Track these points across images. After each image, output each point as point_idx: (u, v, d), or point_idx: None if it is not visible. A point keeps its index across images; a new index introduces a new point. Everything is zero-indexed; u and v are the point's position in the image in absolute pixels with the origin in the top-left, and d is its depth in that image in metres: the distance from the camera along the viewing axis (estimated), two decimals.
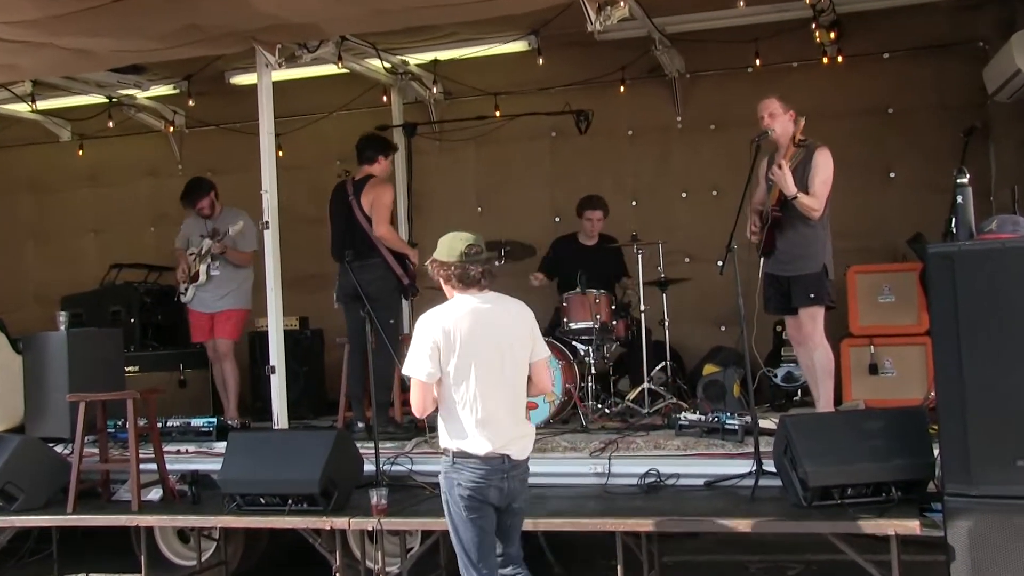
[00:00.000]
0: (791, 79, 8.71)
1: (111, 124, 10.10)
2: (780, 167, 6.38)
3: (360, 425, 7.57)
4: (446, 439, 4.55)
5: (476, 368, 4.48)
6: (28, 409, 7.92)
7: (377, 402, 7.25)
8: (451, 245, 4.69)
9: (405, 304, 8.33)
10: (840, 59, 8.62)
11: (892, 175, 8.84)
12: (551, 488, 6.34)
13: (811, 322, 6.58)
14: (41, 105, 9.93)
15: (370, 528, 5.89)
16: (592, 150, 9.49)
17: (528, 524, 5.63)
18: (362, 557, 6.22)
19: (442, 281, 4.69)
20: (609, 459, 6.38)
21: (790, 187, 6.37)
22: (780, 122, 6.56)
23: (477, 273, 4.60)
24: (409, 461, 6.68)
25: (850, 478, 5.35)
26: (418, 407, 4.54)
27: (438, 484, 6.25)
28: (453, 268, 4.62)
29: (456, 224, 9.54)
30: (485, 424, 4.47)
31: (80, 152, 10.78)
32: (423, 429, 7.53)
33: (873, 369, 7.56)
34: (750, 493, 5.76)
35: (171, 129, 10.44)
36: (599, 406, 7.67)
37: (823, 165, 6.48)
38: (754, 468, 5.86)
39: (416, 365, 4.50)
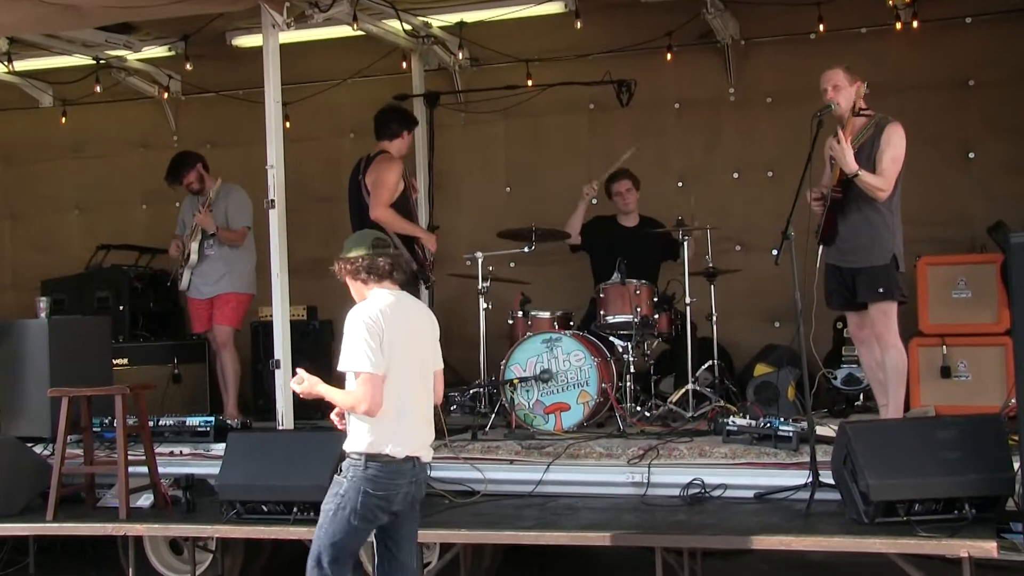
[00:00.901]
0: (859, 47, 8.73)
1: (98, 89, 10.15)
2: (839, 141, 6.41)
3: None
4: (360, 440, 4.72)
5: (403, 365, 4.72)
6: (4, 405, 8.00)
7: None
8: (356, 242, 4.94)
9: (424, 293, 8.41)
10: (916, 24, 8.59)
11: (971, 156, 8.84)
12: (583, 499, 6.42)
13: (883, 319, 6.59)
14: (19, 66, 9.99)
15: None
16: (634, 125, 9.50)
17: (559, 538, 5.76)
18: (373, 571, 6.31)
19: (351, 280, 4.89)
20: (648, 467, 6.44)
21: (850, 163, 6.40)
22: (845, 95, 6.57)
23: (387, 264, 4.83)
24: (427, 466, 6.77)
25: (918, 493, 5.38)
26: (374, 403, 4.65)
27: (461, 492, 6.46)
28: (361, 260, 4.84)
29: (482, 206, 9.87)
30: (409, 426, 4.74)
31: (63, 120, 10.83)
32: (441, 432, 7.68)
33: (945, 372, 7.59)
34: (805, 507, 5.80)
35: (165, 96, 10.47)
36: (638, 408, 7.74)
37: (894, 141, 6.51)
38: (810, 480, 5.90)
39: (362, 358, 4.64)
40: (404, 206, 7.72)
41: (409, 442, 4.73)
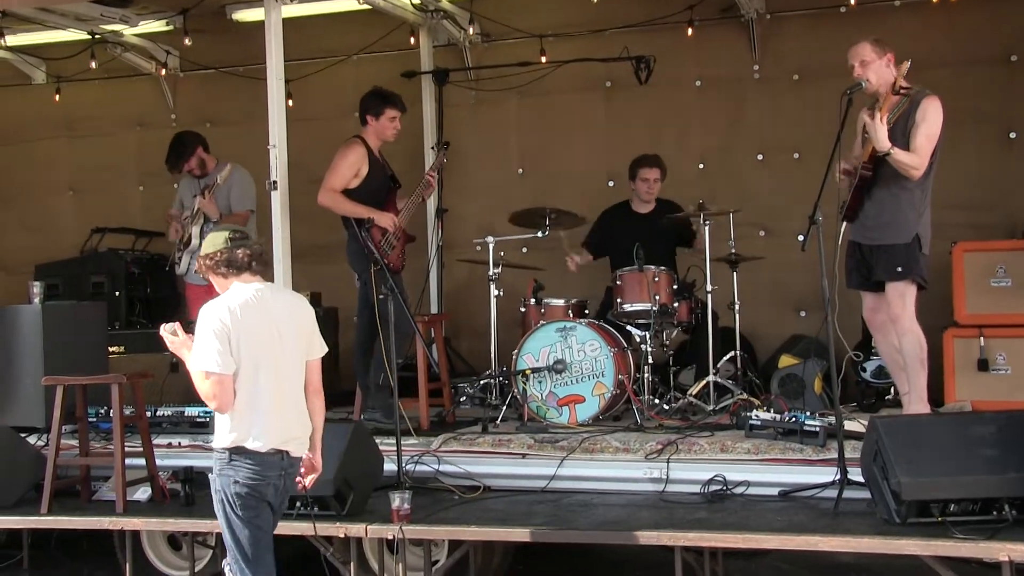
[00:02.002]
0: (893, 21, 8.69)
1: (93, 65, 10.11)
2: (872, 117, 6.35)
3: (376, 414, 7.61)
4: (223, 435, 4.84)
5: (259, 360, 4.84)
6: None
7: (380, 385, 7.51)
8: (214, 238, 5.05)
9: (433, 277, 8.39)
10: None
11: (1012, 135, 8.75)
12: (599, 495, 6.42)
13: (899, 301, 6.53)
14: (11, 41, 9.98)
15: (390, 536, 5.97)
16: (653, 103, 9.48)
17: (573, 536, 5.73)
18: (380, 570, 6.32)
19: (211, 275, 5.02)
20: (667, 463, 6.43)
21: (882, 141, 6.33)
22: (874, 70, 6.50)
23: (245, 255, 4.94)
24: (436, 461, 6.78)
25: (953, 492, 5.34)
26: (223, 402, 4.79)
27: (470, 487, 6.45)
28: (219, 255, 4.95)
29: (493, 189, 9.85)
30: (267, 419, 4.84)
31: (56, 97, 10.86)
32: (450, 424, 7.66)
33: (983, 365, 7.52)
34: (833, 506, 5.78)
35: (163, 72, 10.47)
36: (656, 401, 7.71)
37: (930, 117, 6.43)
38: (838, 477, 5.88)
39: (210, 357, 4.77)
40: (369, 191, 7.62)
41: (270, 436, 4.83)
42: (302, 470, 5.03)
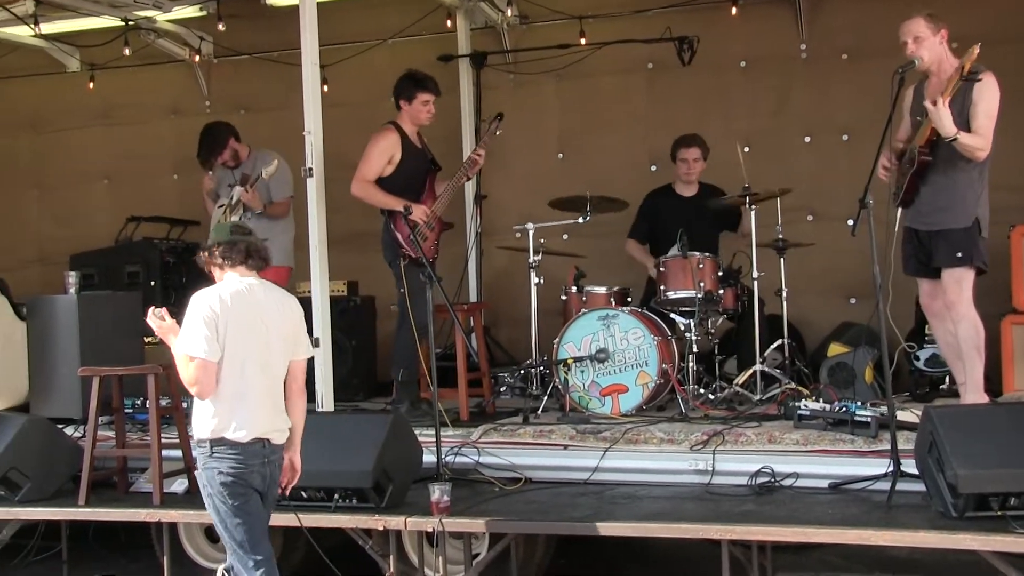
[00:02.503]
0: None
1: (127, 52, 10.13)
2: (935, 103, 6.22)
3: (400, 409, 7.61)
4: (204, 425, 4.96)
5: (246, 351, 4.98)
6: (33, 385, 8.12)
7: (400, 382, 7.61)
8: (218, 229, 5.29)
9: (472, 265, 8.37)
10: None
11: None
12: (643, 487, 6.39)
13: (955, 287, 6.45)
14: (45, 28, 10.04)
15: (430, 529, 5.95)
16: (697, 85, 9.44)
17: (617, 529, 5.70)
18: (420, 564, 6.32)
19: (212, 268, 5.20)
20: (713, 454, 6.39)
21: (948, 127, 6.21)
22: (928, 47, 6.40)
23: (242, 246, 5.11)
24: (476, 452, 6.75)
25: (1013, 485, 5.27)
26: (205, 388, 4.93)
27: (511, 479, 6.44)
28: (217, 247, 5.13)
29: (533, 174, 9.81)
30: (252, 410, 4.96)
31: (91, 84, 10.93)
32: (490, 415, 7.64)
33: None
34: (885, 499, 5.72)
35: (197, 58, 10.53)
36: (702, 391, 7.67)
37: (987, 95, 6.31)
38: (891, 469, 5.82)
39: (196, 342, 4.91)
40: (404, 176, 7.65)
41: (253, 426, 4.95)
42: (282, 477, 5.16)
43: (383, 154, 7.59)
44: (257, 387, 4.98)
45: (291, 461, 5.16)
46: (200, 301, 4.96)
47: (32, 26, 9.77)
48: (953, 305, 6.48)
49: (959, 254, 6.42)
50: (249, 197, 8.30)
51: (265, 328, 5.03)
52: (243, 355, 4.95)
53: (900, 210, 6.64)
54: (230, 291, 5.01)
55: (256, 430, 4.95)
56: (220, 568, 5.13)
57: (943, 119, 6.20)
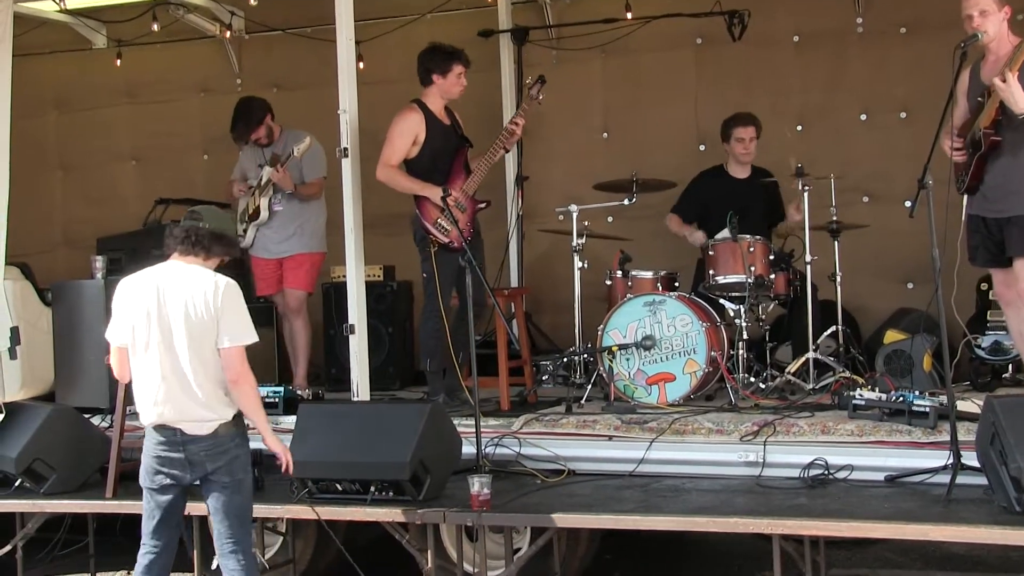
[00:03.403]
0: None
1: (155, 28, 10.18)
2: (1004, 79, 6.16)
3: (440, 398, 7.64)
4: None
5: (147, 337, 5.26)
6: (59, 373, 8.22)
7: (429, 371, 7.67)
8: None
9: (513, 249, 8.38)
10: None
11: None
12: (690, 479, 6.41)
13: None
14: (70, 3, 10.11)
15: (469, 523, 6.01)
16: (747, 61, 9.41)
17: (663, 523, 5.71)
18: (458, 559, 6.35)
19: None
20: (764, 445, 6.39)
21: (1018, 103, 6.15)
22: (993, 22, 6.35)
23: (179, 232, 5.39)
24: (517, 443, 6.79)
25: None
26: (118, 373, 5.47)
27: (553, 471, 6.46)
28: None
29: (576, 154, 9.80)
30: (149, 396, 5.28)
31: (118, 62, 10.94)
32: (532, 404, 7.66)
33: None
34: (945, 493, 5.69)
35: (228, 34, 10.53)
36: (752, 379, 7.67)
37: None
38: (950, 462, 5.80)
39: (109, 328, 5.41)
40: (431, 155, 7.66)
41: (151, 412, 5.27)
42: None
43: (407, 135, 7.60)
44: (160, 373, 5.22)
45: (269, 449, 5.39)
46: (119, 288, 5.42)
47: (57, 1, 9.83)
48: None
49: None
50: (280, 176, 8.32)
51: (167, 313, 5.23)
52: (145, 340, 5.23)
53: (966, 198, 6.58)
54: (143, 277, 5.35)
55: (155, 416, 5.25)
56: None
57: (1015, 93, 6.14)
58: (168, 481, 5.33)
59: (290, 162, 8.34)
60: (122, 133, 11.31)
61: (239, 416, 5.34)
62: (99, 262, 8.11)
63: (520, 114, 8.02)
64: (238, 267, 9.43)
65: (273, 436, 5.43)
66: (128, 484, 6.89)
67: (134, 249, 9.75)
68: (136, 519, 7.00)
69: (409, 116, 7.65)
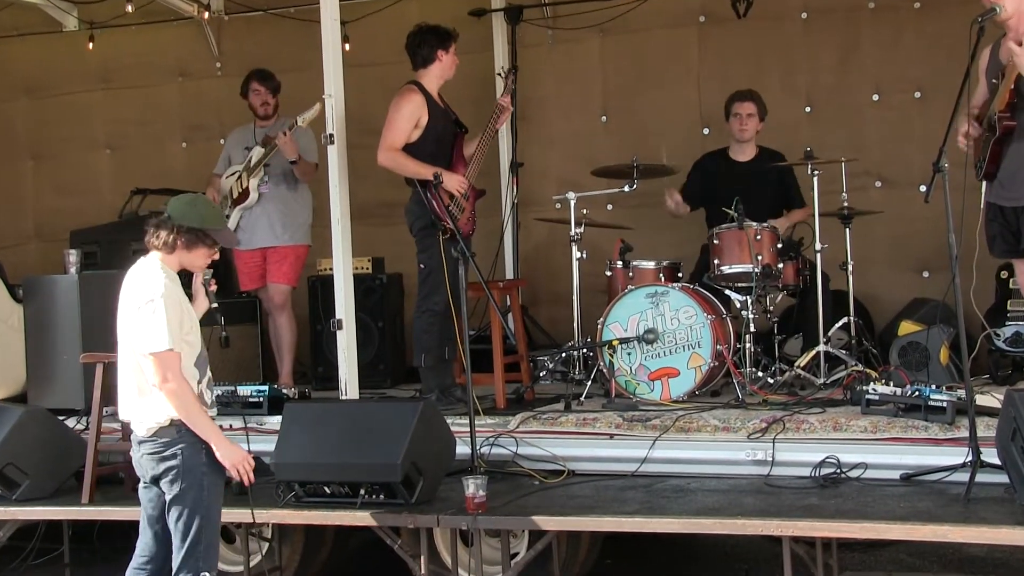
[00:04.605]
0: None
1: (130, 9, 10.11)
2: (1021, 43, 6.13)
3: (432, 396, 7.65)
4: None
5: (118, 332, 5.40)
6: (31, 373, 8.21)
7: (425, 367, 7.64)
8: None
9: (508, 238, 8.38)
10: None
11: None
12: (697, 479, 6.41)
13: None
14: None
15: (464, 527, 6.02)
16: (753, 39, 9.43)
17: (668, 525, 5.72)
18: (453, 564, 6.35)
19: None
20: (773, 443, 6.40)
21: None
22: None
23: (149, 225, 5.42)
24: (513, 442, 6.80)
25: None
26: None
27: (552, 472, 6.47)
28: None
29: (574, 139, 9.81)
30: (119, 392, 5.42)
31: (90, 45, 10.94)
32: (529, 402, 7.67)
33: None
34: (963, 492, 5.70)
35: (206, 15, 10.53)
36: (760, 374, 7.67)
37: None
38: (969, 459, 5.80)
39: None
40: (433, 140, 7.66)
41: (119, 406, 5.43)
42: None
43: (409, 118, 7.60)
44: (121, 370, 5.36)
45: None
46: None
47: None
48: None
49: None
50: (286, 140, 8.24)
51: (120, 309, 5.34)
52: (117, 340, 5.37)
53: (984, 184, 6.59)
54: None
55: (122, 413, 5.40)
56: None
57: None
58: (142, 483, 5.38)
59: (296, 131, 8.31)
60: (96, 120, 11.29)
61: (176, 420, 5.22)
62: (73, 256, 8.10)
63: (505, 93, 8.06)
64: (221, 261, 9.46)
65: (222, 445, 5.25)
66: (105, 489, 6.95)
67: (110, 242, 9.77)
68: (113, 525, 7.05)
69: (412, 98, 7.64)
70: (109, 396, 6.94)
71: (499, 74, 8.86)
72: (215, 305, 5.72)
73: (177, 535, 5.22)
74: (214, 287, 5.75)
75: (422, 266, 7.62)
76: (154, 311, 5.14)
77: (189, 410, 5.15)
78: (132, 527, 7.07)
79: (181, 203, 5.44)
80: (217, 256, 5.47)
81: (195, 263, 5.42)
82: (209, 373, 5.45)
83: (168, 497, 5.23)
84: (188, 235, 5.28)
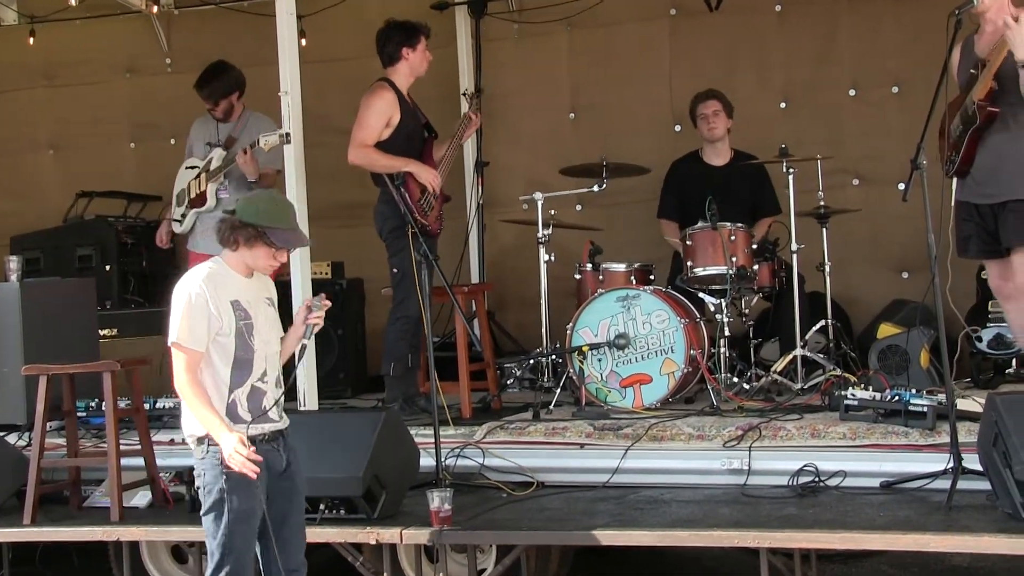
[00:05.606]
0: None
1: (73, 2, 9.99)
2: (1017, 19, 6.07)
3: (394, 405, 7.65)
4: None
5: None
6: None
7: (393, 376, 7.65)
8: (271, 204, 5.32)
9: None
10: None
11: None
12: (670, 489, 6.43)
13: None
14: None
15: (429, 542, 6.01)
16: (726, 32, 9.49)
17: (641, 538, 5.76)
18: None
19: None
20: (749, 451, 6.43)
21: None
22: None
23: None
24: (480, 454, 6.81)
25: None
26: None
27: (520, 483, 6.49)
28: None
29: (541, 137, 9.84)
30: None
31: (31, 40, 10.82)
32: (496, 411, 7.69)
33: None
34: (945, 499, 5.73)
35: (155, 9, 10.45)
36: (735, 380, 7.72)
37: None
38: (951, 465, 5.84)
39: None
40: (404, 139, 7.68)
41: None
42: None
43: (381, 115, 7.61)
44: None
45: None
46: None
47: None
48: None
49: None
50: (246, 160, 8.15)
51: None
52: None
53: (955, 181, 6.62)
54: None
55: None
56: None
57: (1018, 38, 6.07)
58: None
59: (241, 142, 8.25)
60: (39, 119, 11.23)
61: (207, 436, 5.05)
62: (14, 263, 8.03)
63: (473, 111, 8.15)
64: (172, 265, 9.44)
65: (220, 439, 4.98)
66: (49, 509, 6.87)
67: (54, 248, 9.73)
68: (58, 547, 7.01)
69: (384, 95, 7.65)
70: (54, 410, 6.97)
71: (464, 95, 8.90)
72: (305, 341, 5.34)
73: (208, 548, 5.10)
74: (316, 319, 5.26)
75: (395, 270, 7.59)
76: (175, 304, 5.06)
77: (193, 403, 5.02)
78: (77, 547, 7.11)
79: (245, 198, 5.42)
80: (284, 259, 5.22)
81: (258, 264, 5.15)
82: (262, 384, 5.15)
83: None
84: (244, 231, 5.07)
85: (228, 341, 5.03)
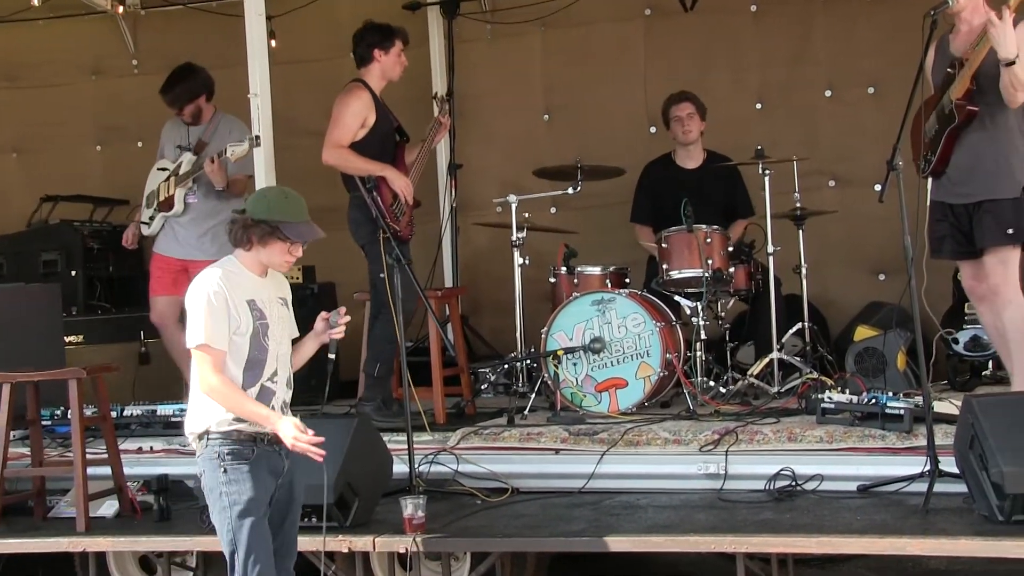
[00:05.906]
0: None
1: (36, 2, 10.02)
2: (1001, 16, 6.05)
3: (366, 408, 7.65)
4: None
5: None
6: None
7: (375, 377, 7.64)
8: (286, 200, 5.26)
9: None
10: None
11: None
12: (647, 494, 6.46)
13: (999, 269, 6.46)
14: None
15: (402, 550, 6.00)
16: (701, 33, 9.53)
17: (618, 544, 5.78)
18: None
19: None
20: (726, 455, 6.46)
21: (1008, 46, 6.07)
22: None
23: None
24: (454, 460, 6.82)
25: None
26: None
27: (495, 489, 6.49)
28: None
29: (515, 138, 9.86)
30: None
31: None
32: (470, 416, 7.70)
33: None
34: (922, 502, 5.77)
35: (121, 9, 10.44)
36: (712, 383, 7.76)
37: None
38: (927, 468, 5.87)
39: None
40: (377, 141, 7.66)
41: None
42: None
43: (357, 116, 7.57)
44: None
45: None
46: None
47: None
48: (998, 289, 6.49)
49: (1009, 230, 6.38)
50: (214, 169, 8.04)
51: None
52: None
53: (930, 181, 6.64)
54: None
55: None
56: None
57: (1008, 35, 6.06)
58: None
59: (212, 146, 8.21)
60: (1, 121, 11.16)
61: (207, 431, 5.05)
62: None
63: (443, 114, 8.12)
64: (139, 270, 9.40)
65: (280, 425, 4.95)
66: (11, 520, 6.83)
67: (16, 253, 9.68)
68: (21, 559, 6.99)
69: (359, 95, 7.62)
70: (17, 418, 6.94)
71: (434, 97, 8.93)
72: (332, 356, 5.40)
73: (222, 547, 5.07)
74: (338, 334, 5.36)
75: (381, 275, 7.56)
76: (192, 306, 5.04)
77: (233, 403, 4.97)
78: (42, 559, 7.06)
79: (254, 194, 5.37)
80: (299, 253, 5.15)
81: (273, 260, 5.10)
82: (272, 384, 5.15)
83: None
84: (257, 228, 5.03)
85: (243, 341, 5.01)
